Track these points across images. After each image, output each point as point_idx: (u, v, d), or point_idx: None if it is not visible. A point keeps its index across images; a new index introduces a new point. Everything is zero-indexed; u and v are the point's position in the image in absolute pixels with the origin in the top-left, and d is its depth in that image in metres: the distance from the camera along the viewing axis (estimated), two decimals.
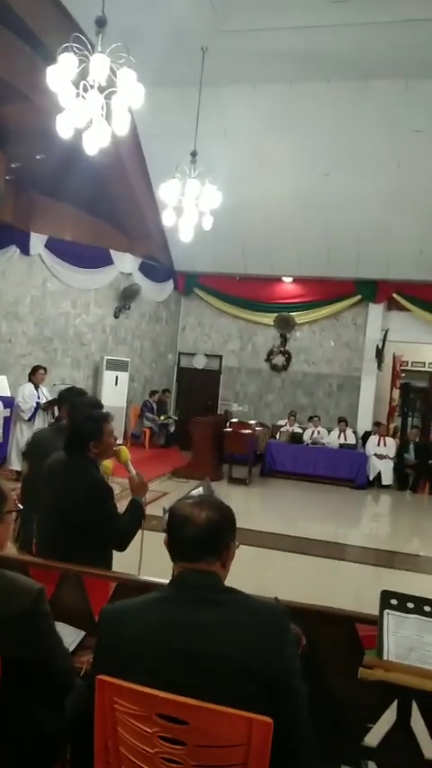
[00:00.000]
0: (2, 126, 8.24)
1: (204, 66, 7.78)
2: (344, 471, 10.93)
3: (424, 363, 13.57)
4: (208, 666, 1.43)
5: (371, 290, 11.92)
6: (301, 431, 11.64)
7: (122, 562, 2.86)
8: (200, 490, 2.76)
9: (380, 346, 11.84)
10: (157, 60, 7.15)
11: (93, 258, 10.89)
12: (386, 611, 1.86)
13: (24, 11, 6.92)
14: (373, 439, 11.32)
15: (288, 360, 12.71)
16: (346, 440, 11.43)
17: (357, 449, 11.29)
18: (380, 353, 11.85)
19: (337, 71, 8.22)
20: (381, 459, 11.09)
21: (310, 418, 11.88)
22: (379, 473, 11.05)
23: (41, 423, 7.75)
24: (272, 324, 12.67)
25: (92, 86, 4.60)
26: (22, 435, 7.98)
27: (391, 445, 11.29)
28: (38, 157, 8.79)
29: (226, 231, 9.93)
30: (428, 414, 13.48)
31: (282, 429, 11.79)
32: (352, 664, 1.83)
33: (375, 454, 11.11)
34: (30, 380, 8.20)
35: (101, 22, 4.66)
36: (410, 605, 1.87)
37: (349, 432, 11.58)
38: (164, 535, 1.68)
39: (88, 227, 10.83)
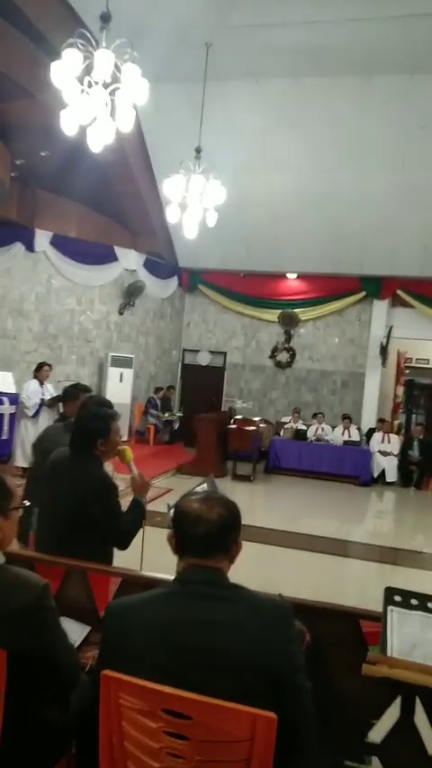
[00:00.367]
0: (6, 123, 8.24)
1: (209, 62, 7.76)
2: (348, 468, 10.92)
3: (428, 360, 13.53)
4: (212, 662, 1.44)
5: (375, 287, 11.89)
6: (305, 428, 11.63)
7: (124, 558, 2.87)
8: (204, 487, 2.76)
9: (384, 343, 11.82)
10: (162, 56, 7.13)
11: (97, 255, 10.90)
12: (390, 608, 1.86)
13: (28, 7, 6.91)
14: (378, 436, 11.30)
15: (292, 356, 12.70)
16: (350, 437, 11.41)
17: (361, 446, 11.28)
18: (384, 350, 11.83)
19: (342, 66, 8.18)
20: (385, 456, 11.07)
21: (315, 415, 11.87)
22: (383, 470, 11.03)
23: (46, 419, 7.77)
24: (276, 320, 12.66)
25: (96, 82, 4.59)
26: (26, 432, 8.00)
27: (395, 442, 11.28)
28: (42, 154, 8.80)
29: (230, 227, 9.92)
30: None
31: (286, 426, 11.78)
32: (356, 660, 1.83)
33: (379, 451, 11.10)
34: (35, 377, 8.22)
35: (105, 18, 4.65)
36: (414, 602, 1.87)
37: (353, 428, 11.57)
38: (167, 531, 1.68)
39: (93, 223, 10.84)
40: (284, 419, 12.15)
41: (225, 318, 13.14)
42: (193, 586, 1.55)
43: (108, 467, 2.97)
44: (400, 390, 13.01)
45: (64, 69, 4.47)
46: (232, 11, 7.34)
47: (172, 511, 1.71)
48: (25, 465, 7.39)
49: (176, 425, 12.09)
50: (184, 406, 12.90)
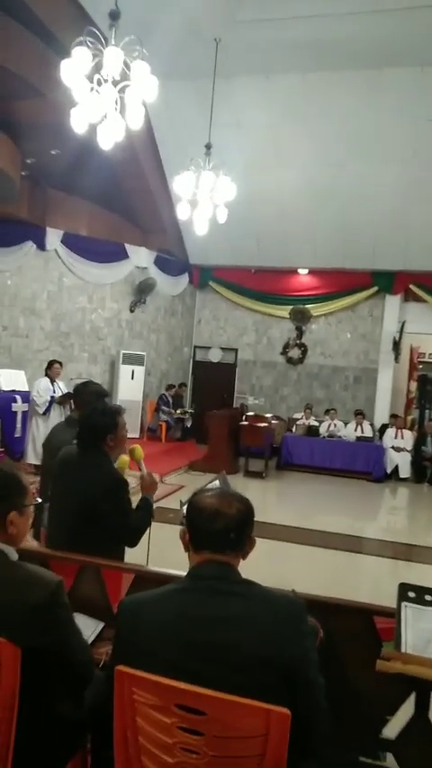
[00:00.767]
0: (17, 122, 8.26)
1: (218, 58, 7.74)
2: (361, 464, 10.89)
3: None
4: (226, 657, 1.44)
5: (387, 282, 11.82)
6: (317, 424, 11.60)
7: (131, 555, 2.90)
8: (216, 483, 2.77)
9: (397, 338, 11.74)
10: (171, 52, 7.12)
11: (108, 253, 10.92)
12: (404, 604, 1.86)
13: (38, 6, 6.92)
14: (391, 431, 11.25)
15: (304, 352, 12.66)
16: (363, 432, 11.37)
17: (374, 441, 11.23)
18: (397, 345, 11.76)
19: (351, 60, 8.13)
20: (398, 452, 11.02)
21: (327, 411, 11.83)
22: (396, 466, 10.99)
23: (57, 417, 7.82)
24: (287, 316, 12.63)
25: (105, 80, 4.59)
26: (38, 430, 8.05)
27: (408, 438, 11.22)
28: (53, 153, 8.82)
29: (241, 223, 9.89)
30: None
31: (298, 422, 11.75)
32: (370, 656, 1.82)
33: (393, 447, 11.05)
34: (46, 375, 8.26)
35: (114, 15, 4.65)
36: (429, 598, 1.86)
37: (366, 424, 11.52)
38: (179, 528, 1.69)
39: (103, 221, 10.86)
40: (296, 415, 12.13)
41: (236, 315, 13.12)
42: (207, 582, 1.55)
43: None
44: (414, 386, 12.91)
45: (73, 68, 4.47)
46: (241, 6, 7.31)
47: (184, 507, 1.72)
48: (37, 462, 7.45)
49: (189, 423, 12.08)
50: (195, 403, 12.91)
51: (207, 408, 11.26)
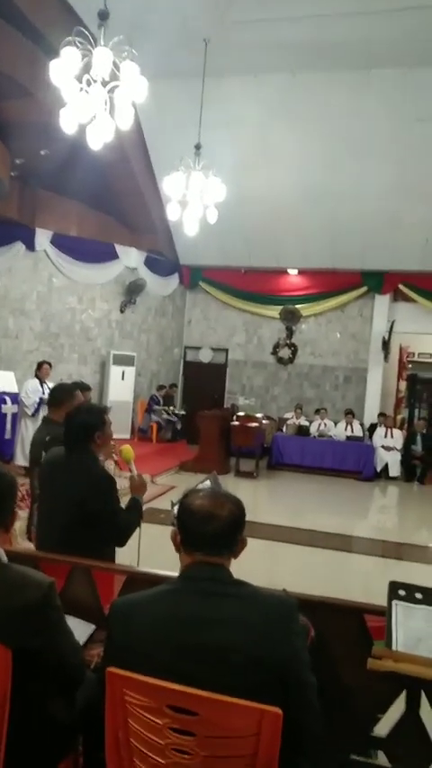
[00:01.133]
0: (5, 122, 8.22)
1: (207, 58, 7.75)
2: (351, 463, 10.93)
3: (431, 354, 13.52)
4: (218, 658, 1.44)
5: (377, 282, 11.87)
6: (307, 423, 11.63)
7: (122, 556, 2.91)
8: (207, 484, 2.77)
9: (386, 338, 11.80)
10: (160, 52, 7.11)
11: (98, 253, 10.90)
12: (394, 602, 1.87)
13: (26, 5, 6.90)
14: (380, 431, 11.30)
15: (294, 352, 12.69)
16: (353, 432, 11.42)
17: (364, 441, 11.28)
18: (386, 345, 11.81)
19: (340, 61, 8.16)
20: (388, 451, 11.07)
21: (317, 411, 11.87)
22: (386, 465, 11.04)
23: None
24: (277, 316, 12.65)
25: (95, 80, 4.59)
26: (27, 431, 8.00)
27: (398, 437, 11.28)
28: (42, 153, 8.78)
29: (230, 224, 9.90)
30: None
31: (288, 422, 11.78)
32: (361, 654, 1.83)
33: (382, 446, 11.10)
34: (35, 376, 8.22)
35: (103, 15, 4.64)
36: (419, 596, 1.87)
37: (356, 424, 11.56)
38: (170, 528, 1.68)
39: (93, 221, 10.84)
40: (287, 415, 12.16)
41: (226, 315, 13.13)
42: (200, 583, 1.55)
43: (110, 466, 3.01)
44: (403, 385, 13.00)
45: (63, 68, 4.46)
46: (230, 6, 7.32)
47: (176, 508, 1.71)
48: (26, 464, 7.40)
49: (179, 425, 12.04)
50: (186, 404, 12.90)
51: (198, 408, 11.25)
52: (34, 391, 8.05)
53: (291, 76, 8.63)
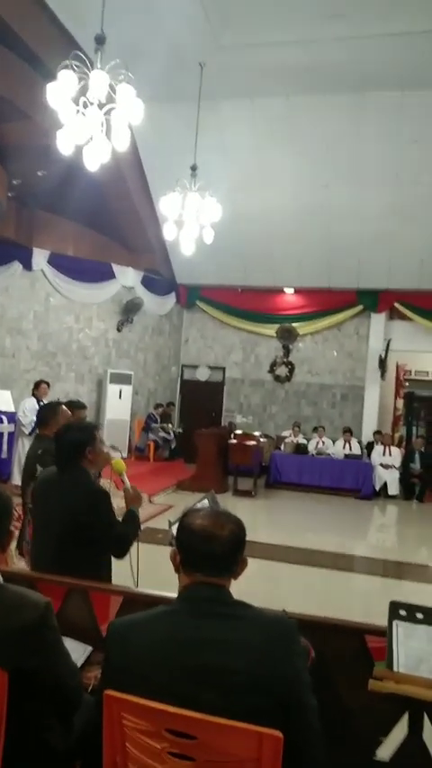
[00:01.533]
0: (3, 143, 8.32)
1: (202, 82, 7.85)
2: (349, 482, 10.89)
3: (427, 372, 13.56)
4: (218, 680, 1.42)
5: (372, 300, 11.94)
6: (305, 441, 11.61)
7: (120, 576, 2.89)
8: (205, 502, 2.76)
9: (383, 356, 11.84)
10: (156, 76, 7.20)
11: (95, 272, 10.95)
12: (395, 622, 1.85)
13: (24, 31, 7.01)
14: (379, 449, 11.28)
15: (291, 371, 12.71)
16: (351, 450, 11.39)
17: (363, 459, 11.25)
18: (383, 363, 11.85)
19: (334, 84, 8.28)
20: (386, 469, 11.04)
21: (315, 429, 11.86)
22: (385, 483, 11.00)
23: None
24: (274, 335, 12.70)
25: (91, 103, 4.64)
26: (24, 450, 7.97)
27: (396, 455, 11.25)
28: (39, 174, 8.87)
29: (227, 244, 9.98)
30: None
31: (286, 440, 11.76)
32: (362, 676, 1.81)
33: (381, 464, 11.07)
34: (33, 395, 8.22)
35: (100, 40, 4.71)
36: (420, 616, 1.85)
37: (354, 442, 11.55)
38: (168, 548, 1.67)
39: (90, 241, 10.91)
40: (285, 433, 12.14)
41: (223, 334, 13.17)
42: (200, 604, 1.53)
43: (106, 483, 3.00)
44: (400, 403, 13.02)
45: (59, 90, 4.52)
46: (225, 31, 7.45)
47: (174, 527, 1.70)
48: None
49: (173, 445, 11.98)
50: (183, 422, 12.88)
51: (195, 427, 11.23)
52: (32, 410, 8.03)
53: (285, 99, 8.76)
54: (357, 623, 2.12)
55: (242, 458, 10.38)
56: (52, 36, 7.24)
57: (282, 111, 8.90)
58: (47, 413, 4.06)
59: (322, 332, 12.53)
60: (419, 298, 11.53)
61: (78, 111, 4.67)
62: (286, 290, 12.52)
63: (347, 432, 11.60)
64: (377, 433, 11.67)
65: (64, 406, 4.05)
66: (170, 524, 2.68)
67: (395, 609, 1.87)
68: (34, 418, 7.96)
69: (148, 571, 3.08)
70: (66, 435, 2.84)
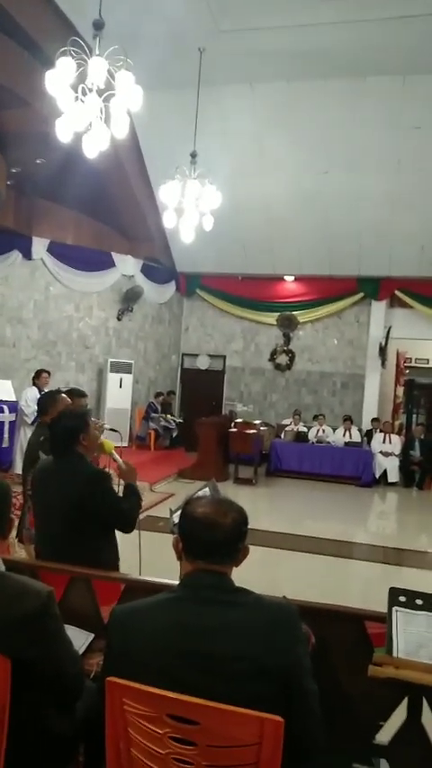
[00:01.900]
0: (2, 131, 8.26)
1: (202, 67, 7.78)
2: (349, 469, 10.92)
3: (428, 360, 13.54)
4: (220, 666, 1.43)
5: (373, 288, 11.90)
6: (305, 430, 11.63)
7: (124, 564, 2.91)
8: (206, 491, 2.77)
9: (383, 344, 11.82)
10: (155, 62, 7.15)
11: (95, 261, 10.91)
12: (395, 609, 1.86)
13: (22, 17, 6.94)
14: (379, 436, 11.30)
15: (292, 359, 12.70)
16: (351, 438, 11.41)
17: (363, 447, 11.27)
18: (383, 351, 11.83)
19: (335, 69, 8.21)
20: (386, 457, 11.06)
21: (315, 417, 11.87)
22: (385, 470, 11.03)
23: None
24: (274, 323, 12.67)
25: (90, 90, 4.61)
26: (26, 439, 7.99)
27: (396, 442, 11.27)
28: (38, 162, 8.82)
29: (227, 231, 9.93)
30: None
31: (287, 428, 11.77)
32: (362, 661, 1.82)
33: (381, 452, 11.09)
34: (34, 384, 8.22)
35: (98, 26, 4.67)
36: (419, 602, 1.87)
37: (354, 430, 11.56)
38: (169, 536, 1.68)
39: (89, 230, 10.87)
40: (285, 421, 12.14)
41: (223, 322, 13.14)
42: (202, 591, 1.54)
43: (109, 470, 3.01)
44: (401, 390, 13.01)
45: (58, 77, 4.48)
46: (224, 16, 7.37)
47: (175, 515, 1.71)
48: None
49: (174, 434, 11.99)
50: (184, 411, 12.89)
51: (196, 416, 11.24)
52: (33, 400, 8.04)
53: (286, 85, 8.68)
54: (357, 609, 2.13)
55: (243, 446, 10.40)
56: (51, 23, 7.17)
57: (282, 97, 8.82)
58: (47, 401, 4.11)
59: (323, 320, 12.50)
60: (420, 285, 11.49)
61: (77, 98, 4.64)
62: (286, 277, 12.47)
63: (347, 420, 11.61)
64: (375, 420, 11.67)
65: (63, 394, 4.07)
66: (171, 512, 2.69)
67: (395, 595, 1.88)
68: (36, 407, 8.00)
69: (150, 558, 3.10)
70: (60, 423, 2.88)
